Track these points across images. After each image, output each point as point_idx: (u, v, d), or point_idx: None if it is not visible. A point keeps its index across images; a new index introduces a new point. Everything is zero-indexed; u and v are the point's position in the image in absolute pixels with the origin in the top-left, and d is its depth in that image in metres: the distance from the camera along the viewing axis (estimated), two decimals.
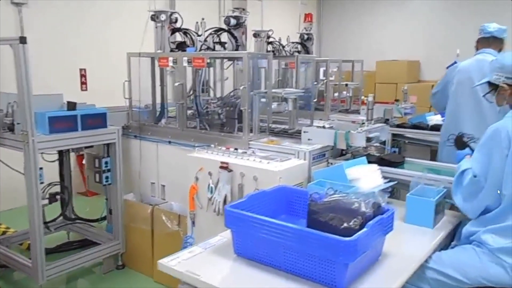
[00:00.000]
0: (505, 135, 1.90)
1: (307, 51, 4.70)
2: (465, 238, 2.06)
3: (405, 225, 2.21)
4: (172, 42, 3.29)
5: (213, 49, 3.19)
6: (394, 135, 4.26)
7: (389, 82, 7.02)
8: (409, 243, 2.06)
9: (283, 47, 4.51)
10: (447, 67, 4.54)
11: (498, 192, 1.90)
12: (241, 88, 2.84)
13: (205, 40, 3.14)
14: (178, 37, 3.44)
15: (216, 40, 3.28)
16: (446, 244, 2.23)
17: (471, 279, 1.93)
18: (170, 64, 3.08)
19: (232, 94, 3.32)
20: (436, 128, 4.04)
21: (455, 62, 4.47)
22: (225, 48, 3.26)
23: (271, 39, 4.31)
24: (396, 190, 2.81)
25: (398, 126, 4.38)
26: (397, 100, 4.72)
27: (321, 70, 4.68)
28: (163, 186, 3.34)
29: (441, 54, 6.72)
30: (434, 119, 4.35)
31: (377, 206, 1.79)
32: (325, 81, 4.31)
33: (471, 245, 2.01)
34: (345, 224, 1.69)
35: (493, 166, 1.91)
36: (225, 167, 2.55)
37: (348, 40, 8.12)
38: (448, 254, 2.05)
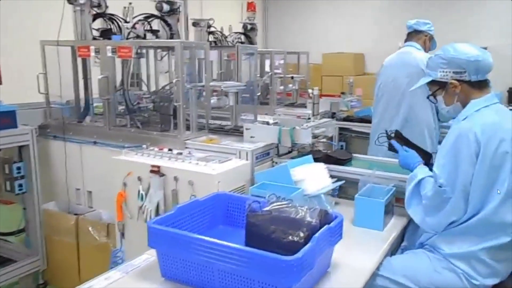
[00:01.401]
0: (473, 139, 1.69)
1: (251, 42, 4.47)
2: (419, 244, 1.91)
3: (354, 228, 2.05)
4: (96, 29, 2.92)
5: (144, 38, 2.86)
6: (340, 128, 4.17)
7: (335, 75, 6.96)
8: (359, 249, 1.88)
9: (226, 37, 4.25)
10: None
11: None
12: (175, 81, 2.54)
13: (134, 28, 2.80)
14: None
15: (148, 27, 2.94)
16: (397, 243, 2.10)
17: (422, 287, 1.80)
18: (92, 54, 2.71)
19: (167, 88, 3.01)
20: None
21: None
22: (157, 37, 2.94)
23: (212, 29, 4.04)
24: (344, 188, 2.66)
25: (345, 119, 4.27)
26: (343, 93, 4.63)
27: (266, 62, 4.48)
28: (90, 192, 2.97)
29: (385, 46, 6.74)
30: None
31: (323, 214, 1.59)
32: (270, 73, 4.09)
33: (423, 250, 1.88)
34: (290, 238, 1.47)
35: (462, 174, 1.70)
36: (156, 171, 2.26)
37: (294, 32, 7.99)
38: (399, 260, 1.90)
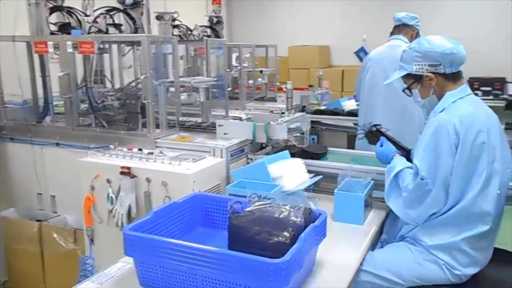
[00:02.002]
0: (452, 130, 1.68)
1: (217, 35, 4.37)
2: (399, 236, 1.91)
3: (335, 224, 2.02)
4: (53, 24, 2.73)
5: (106, 32, 2.70)
6: (311, 122, 4.14)
7: (301, 68, 6.97)
8: (341, 245, 1.85)
9: (191, 31, 4.13)
10: (355, 52, 4.55)
11: None
12: (142, 77, 2.41)
13: (95, 22, 2.63)
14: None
15: (110, 21, 2.78)
16: (377, 237, 2.09)
17: (406, 280, 1.80)
18: (51, 49, 2.53)
19: (134, 84, 2.86)
20: (352, 113, 3.98)
21: (362, 47, 4.49)
22: (120, 31, 2.78)
23: (177, 22, 3.90)
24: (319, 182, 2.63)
25: (315, 112, 4.25)
26: (311, 86, 4.62)
27: (234, 56, 4.38)
28: (53, 197, 2.78)
29: (350, 39, 6.80)
30: (349, 104, 4.31)
31: (308, 212, 1.54)
32: (238, 67, 4.00)
33: (405, 243, 1.87)
34: (275, 239, 1.41)
35: (442, 165, 1.69)
36: (126, 172, 2.13)
37: (260, 25, 7.92)
38: (382, 254, 1.88)
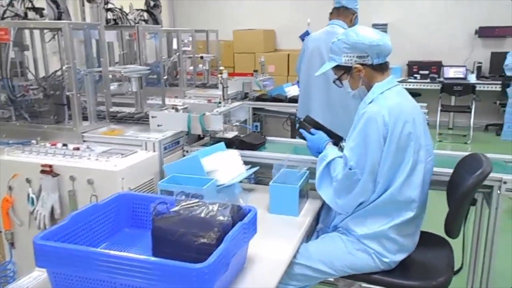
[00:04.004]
0: (381, 122, 1.70)
1: (155, 19, 4.16)
2: (333, 226, 1.92)
3: (270, 216, 2.00)
4: None
5: (25, 17, 2.47)
6: (254, 109, 4.11)
7: (247, 52, 6.89)
8: (275, 239, 1.82)
9: (127, 15, 3.91)
10: (300, 36, 4.52)
11: None
12: (65, 67, 2.24)
13: (11, 5, 2.40)
14: None
15: (29, 5, 2.55)
16: (313, 226, 2.10)
17: (337, 270, 1.82)
18: None
19: (59, 74, 2.66)
20: (294, 100, 3.97)
21: (307, 31, 4.47)
22: (42, 16, 2.57)
23: (110, 5, 3.67)
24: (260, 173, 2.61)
25: (258, 99, 4.21)
26: (256, 71, 4.57)
27: (174, 41, 4.23)
28: None
29: (295, 23, 6.80)
30: (292, 90, 4.30)
31: (236, 210, 1.50)
32: (177, 54, 3.86)
33: (337, 233, 1.88)
34: (201, 240, 1.36)
35: (371, 156, 1.71)
36: (48, 171, 1.99)
37: (204, 8, 7.73)
38: (315, 245, 1.89)
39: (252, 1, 7.50)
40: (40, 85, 2.54)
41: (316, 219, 2.15)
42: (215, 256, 1.23)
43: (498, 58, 6.46)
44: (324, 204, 2.17)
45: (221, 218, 1.41)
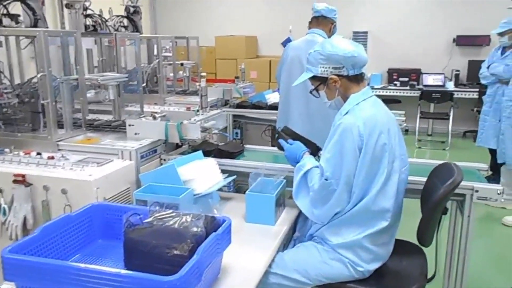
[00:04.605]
0: (357, 133, 1.72)
1: (135, 26, 4.13)
2: (309, 235, 1.93)
3: (246, 225, 2.00)
4: None
5: (0, 24, 2.43)
6: (235, 116, 4.11)
7: (229, 58, 6.91)
8: (250, 248, 1.82)
9: (106, 21, 3.88)
10: (282, 43, 4.56)
11: None
12: (39, 76, 2.21)
13: None
14: None
15: (4, 11, 2.51)
16: (290, 235, 2.10)
17: (312, 279, 1.83)
18: None
19: (35, 81, 2.62)
20: (274, 107, 3.98)
21: (289, 38, 4.51)
22: (17, 22, 2.53)
23: (89, 11, 3.64)
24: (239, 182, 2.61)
25: (238, 106, 4.21)
26: (237, 77, 4.58)
27: (155, 47, 4.21)
28: None
29: (276, 30, 6.85)
30: (272, 97, 4.31)
31: (209, 220, 1.49)
32: (157, 61, 3.84)
33: (313, 242, 1.90)
34: (174, 252, 1.35)
35: (346, 167, 1.73)
36: (21, 180, 1.96)
37: (186, 14, 7.72)
38: (291, 254, 1.89)
39: (234, 8, 7.52)
40: (15, 91, 2.50)
41: (293, 228, 2.16)
42: (187, 268, 1.23)
43: (475, 66, 6.59)
44: (301, 212, 2.19)
45: (194, 229, 1.41)
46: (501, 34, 4.33)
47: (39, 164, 2.07)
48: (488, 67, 4.49)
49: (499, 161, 4.19)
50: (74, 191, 1.94)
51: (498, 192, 1.99)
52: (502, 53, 4.41)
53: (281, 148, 2.10)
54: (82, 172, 2.01)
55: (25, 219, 1.97)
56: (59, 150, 2.31)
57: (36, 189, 1.97)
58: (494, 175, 4.31)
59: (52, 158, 2.13)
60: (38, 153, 2.17)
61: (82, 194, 1.91)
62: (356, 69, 1.83)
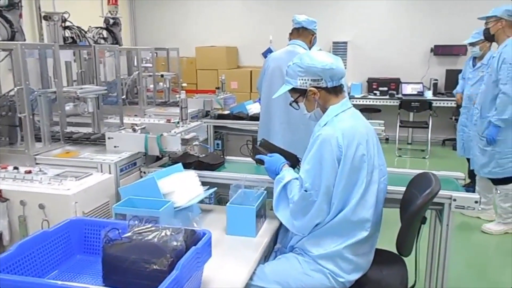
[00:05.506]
0: (335, 144, 1.75)
1: (114, 37, 4.13)
2: (290, 247, 1.93)
3: (227, 238, 1.99)
4: None
5: None
6: (216, 127, 4.11)
7: (210, 69, 6.92)
8: (231, 261, 1.82)
9: (85, 33, 3.85)
10: (262, 53, 4.60)
11: None
12: (16, 89, 2.18)
13: None
14: None
15: None
16: (271, 246, 2.10)
17: None
18: None
19: (12, 94, 2.58)
20: (255, 118, 4.00)
21: (269, 48, 4.56)
22: None
23: (68, 23, 3.61)
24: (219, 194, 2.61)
25: (219, 117, 4.22)
26: (218, 88, 4.59)
27: (135, 58, 4.19)
28: None
29: (257, 40, 6.91)
30: (253, 107, 4.33)
31: (189, 234, 1.49)
32: (137, 72, 3.83)
33: (294, 254, 1.90)
34: (153, 267, 1.34)
35: (325, 178, 1.74)
36: None
37: (166, 26, 7.72)
38: (272, 266, 1.89)
39: (215, 18, 7.56)
40: None
41: (274, 239, 2.16)
42: (167, 283, 1.22)
43: (452, 76, 6.74)
44: (282, 224, 2.19)
45: (174, 243, 1.40)
46: (472, 44, 4.39)
47: (16, 179, 2.03)
48: (463, 79, 4.59)
49: (471, 168, 4.28)
50: (52, 206, 1.91)
51: (475, 201, 2.03)
52: (473, 65, 4.47)
53: (261, 162, 2.11)
54: (61, 186, 1.98)
55: (1, 235, 1.92)
56: (37, 164, 2.27)
57: (12, 204, 1.93)
58: (473, 183, 4.40)
59: (30, 172, 2.09)
60: (15, 167, 2.13)
61: (61, 208, 1.88)
62: (335, 81, 1.86)
